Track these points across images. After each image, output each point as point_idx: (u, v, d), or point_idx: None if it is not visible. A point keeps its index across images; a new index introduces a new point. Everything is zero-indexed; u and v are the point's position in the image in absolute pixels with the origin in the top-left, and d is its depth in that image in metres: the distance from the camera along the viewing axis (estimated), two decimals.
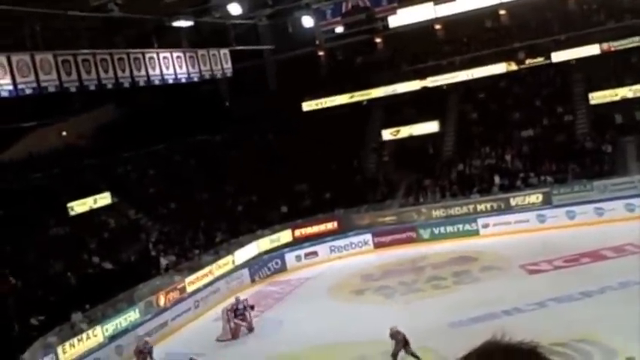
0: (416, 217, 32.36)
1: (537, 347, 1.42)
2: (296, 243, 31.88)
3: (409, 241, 31.33)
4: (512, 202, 30.99)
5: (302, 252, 31.39)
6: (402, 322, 21.46)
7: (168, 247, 30.74)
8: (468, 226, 30.71)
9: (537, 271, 24.50)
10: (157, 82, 25.42)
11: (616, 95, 34.92)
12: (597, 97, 35.13)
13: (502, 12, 39.62)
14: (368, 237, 31.94)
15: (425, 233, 31.37)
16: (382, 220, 32.68)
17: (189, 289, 27.09)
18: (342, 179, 35.87)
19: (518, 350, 1.40)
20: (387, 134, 37.82)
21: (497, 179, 33.22)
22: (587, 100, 35.59)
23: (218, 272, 28.55)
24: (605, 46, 35.66)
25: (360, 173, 37.74)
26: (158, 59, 25.28)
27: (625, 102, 34.74)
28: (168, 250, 30.40)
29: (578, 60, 36.85)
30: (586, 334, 18.34)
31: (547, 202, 30.40)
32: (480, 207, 31.40)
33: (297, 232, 32.21)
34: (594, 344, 18.00)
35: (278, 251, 31.26)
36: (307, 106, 39.18)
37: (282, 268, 30.86)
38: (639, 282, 21.00)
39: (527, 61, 37.12)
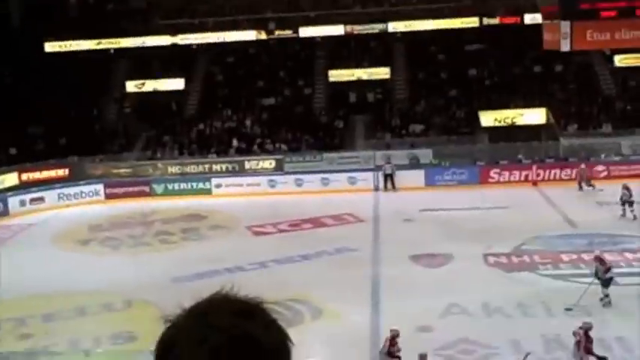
0: (151, 171, 32.32)
1: (263, 303, 1.46)
2: (22, 187, 30.32)
3: (142, 195, 31.16)
4: (247, 165, 32.07)
5: (27, 197, 29.88)
6: (126, 274, 21.50)
7: None
8: (201, 185, 31.23)
9: (262, 233, 25.58)
10: None
11: (352, 75, 37.23)
12: (336, 75, 37.19)
13: None
14: (100, 187, 31.27)
15: (159, 188, 31.39)
16: (117, 171, 32.22)
17: None
18: (80, 126, 34.71)
19: (245, 303, 1.43)
20: (131, 86, 37.16)
21: (235, 142, 34.08)
22: (326, 76, 37.51)
23: None
24: (348, 28, 37.71)
25: (99, 122, 36.76)
26: None
27: (360, 82, 37.15)
28: None
29: (323, 38, 38.68)
30: (299, 294, 19.44)
31: (279, 169, 31.82)
32: (216, 167, 32.13)
33: (25, 176, 30.65)
34: (305, 303, 19.18)
35: (1, 194, 29.52)
36: (51, 47, 37.34)
37: (4, 213, 29.17)
38: (353, 249, 22.76)
39: (277, 32, 38.21)
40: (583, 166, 29.34)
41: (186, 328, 1.38)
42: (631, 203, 24.62)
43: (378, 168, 31.14)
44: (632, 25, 22.22)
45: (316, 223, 26.27)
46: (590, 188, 28.53)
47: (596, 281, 17.38)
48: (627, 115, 34.39)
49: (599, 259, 17.75)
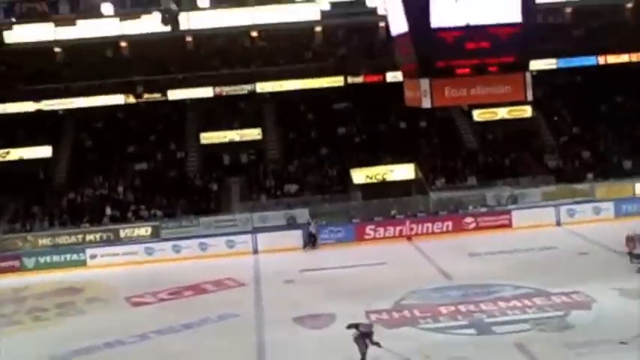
0: (21, 245, 31.11)
1: None
2: None
3: (12, 270, 29.87)
4: (122, 233, 31.44)
5: None
6: None
7: None
8: (75, 256, 30.19)
9: (142, 304, 24.96)
10: None
11: (225, 137, 37.45)
12: (208, 137, 37.27)
13: (123, 44, 39.82)
14: None
15: (29, 262, 30.11)
16: None
17: None
18: None
19: None
20: None
21: (108, 210, 33.35)
22: (198, 139, 37.50)
23: None
24: (218, 89, 37.94)
25: None
26: None
27: (232, 144, 37.38)
28: None
29: (193, 100, 38.78)
30: None
31: (155, 235, 31.37)
32: (90, 237, 31.30)
33: None
34: None
35: None
36: None
37: None
38: (235, 314, 22.60)
39: (146, 96, 37.89)
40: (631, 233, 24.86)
41: None
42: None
43: (255, 230, 31.40)
44: (486, 82, 23.66)
45: (197, 289, 25.93)
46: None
47: None
48: (489, 167, 36.23)
49: None
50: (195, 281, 26.60)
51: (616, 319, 19.59)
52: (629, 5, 40.17)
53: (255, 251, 30.56)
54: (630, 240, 24.26)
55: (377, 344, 17.47)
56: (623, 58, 39.16)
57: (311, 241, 30.65)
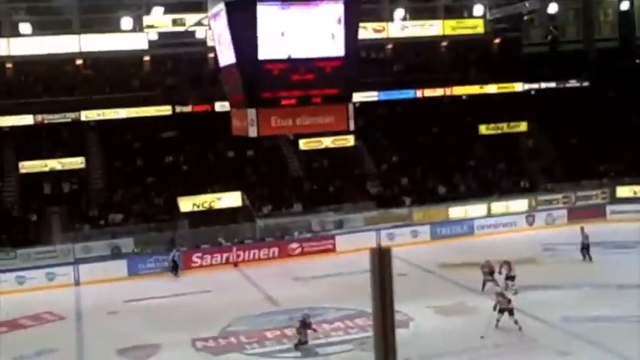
0: None
1: None
2: None
3: None
4: None
5: None
6: None
7: None
8: None
9: None
10: None
11: (46, 166, 35.99)
12: (27, 167, 35.67)
13: None
14: None
15: None
16: None
17: None
18: None
19: None
20: None
21: None
22: (17, 168, 35.82)
23: None
24: (39, 117, 36.57)
25: None
26: None
27: (54, 173, 35.99)
28: None
29: (12, 128, 37.00)
30: None
31: None
32: None
33: None
34: None
35: None
36: None
37: None
38: (54, 350, 21.62)
39: None
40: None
41: None
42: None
43: (77, 261, 30.32)
44: (310, 112, 24.48)
45: (12, 325, 24.52)
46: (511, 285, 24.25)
47: None
48: (314, 194, 37.13)
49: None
50: (12, 317, 25.21)
51: (431, 336, 20.76)
52: (444, 43, 42.77)
53: (77, 283, 29.50)
54: (505, 263, 24.78)
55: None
56: (439, 92, 41.73)
57: (174, 269, 30.27)
